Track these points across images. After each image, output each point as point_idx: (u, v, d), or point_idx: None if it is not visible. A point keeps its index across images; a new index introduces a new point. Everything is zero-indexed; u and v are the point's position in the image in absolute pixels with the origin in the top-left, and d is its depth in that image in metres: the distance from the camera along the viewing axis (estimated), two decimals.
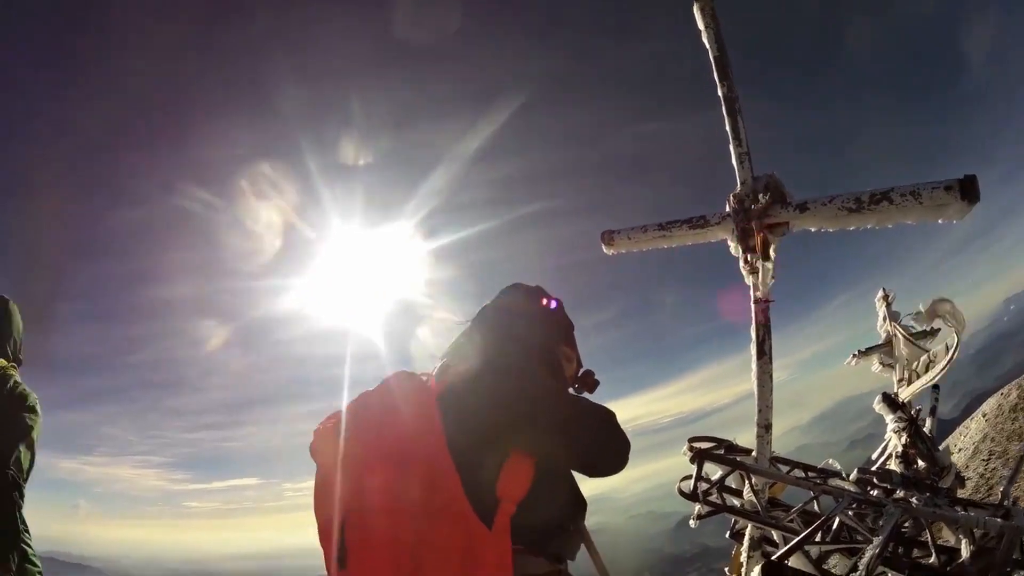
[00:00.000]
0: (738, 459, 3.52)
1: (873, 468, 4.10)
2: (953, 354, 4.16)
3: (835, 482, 3.89)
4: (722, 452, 3.62)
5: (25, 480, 2.64)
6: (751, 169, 2.86)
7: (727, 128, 2.90)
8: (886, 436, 4.30)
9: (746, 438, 3.90)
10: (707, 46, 2.93)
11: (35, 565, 2.61)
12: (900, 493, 3.90)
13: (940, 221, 2.62)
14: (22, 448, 2.61)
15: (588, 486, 1.75)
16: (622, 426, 1.62)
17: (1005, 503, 4.64)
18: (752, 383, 3.19)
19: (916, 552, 3.47)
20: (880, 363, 4.70)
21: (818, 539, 3.43)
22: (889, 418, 4.23)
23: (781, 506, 3.94)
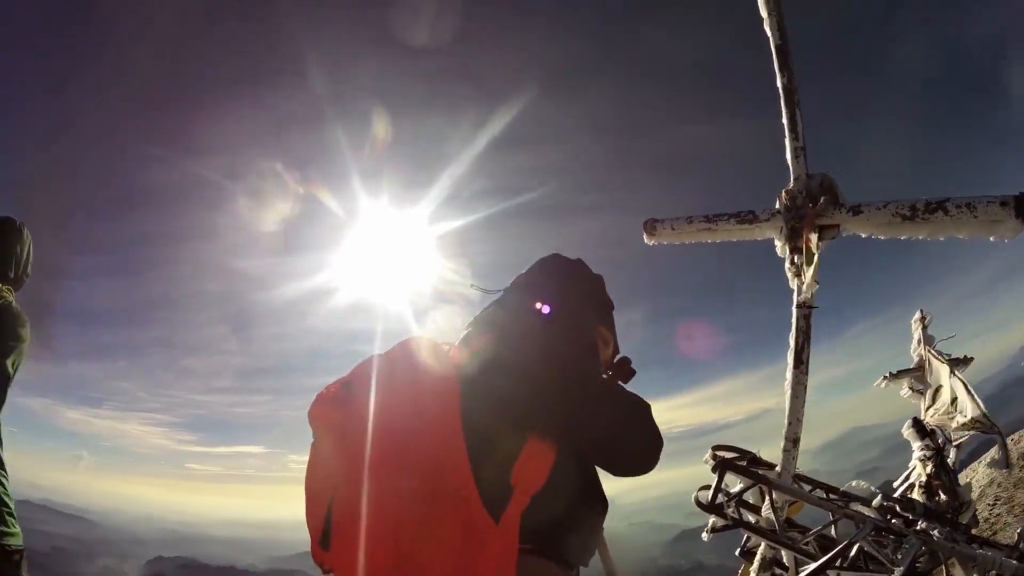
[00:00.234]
0: (761, 473, 3.35)
1: (895, 495, 3.93)
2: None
3: (855, 506, 3.73)
4: (744, 464, 3.45)
5: None
6: (806, 165, 2.71)
7: (783, 120, 2.76)
8: (910, 464, 4.12)
9: (764, 455, 3.75)
10: (768, 34, 2.81)
11: (6, 505, 2.39)
12: (922, 524, 3.74)
13: (992, 239, 2.54)
14: None
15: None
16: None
17: (1021, 545, 4.46)
18: (785, 393, 3.04)
19: None
20: (910, 388, 4.53)
21: (836, 564, 3.28)
22: (916, 445, 4.07)
23: (796, 527, 3.78)
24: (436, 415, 1.27)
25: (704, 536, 3.65)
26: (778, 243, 2.76)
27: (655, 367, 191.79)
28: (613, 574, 1.54)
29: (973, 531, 4.89)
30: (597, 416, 1.32)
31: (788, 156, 2.73)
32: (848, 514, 3.43)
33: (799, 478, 3.68)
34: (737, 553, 4.02)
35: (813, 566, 3.16)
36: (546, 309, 1.48)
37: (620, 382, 1.68)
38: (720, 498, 3.48)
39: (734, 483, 3.56)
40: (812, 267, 2.72)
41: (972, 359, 4.37)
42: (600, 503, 1.41)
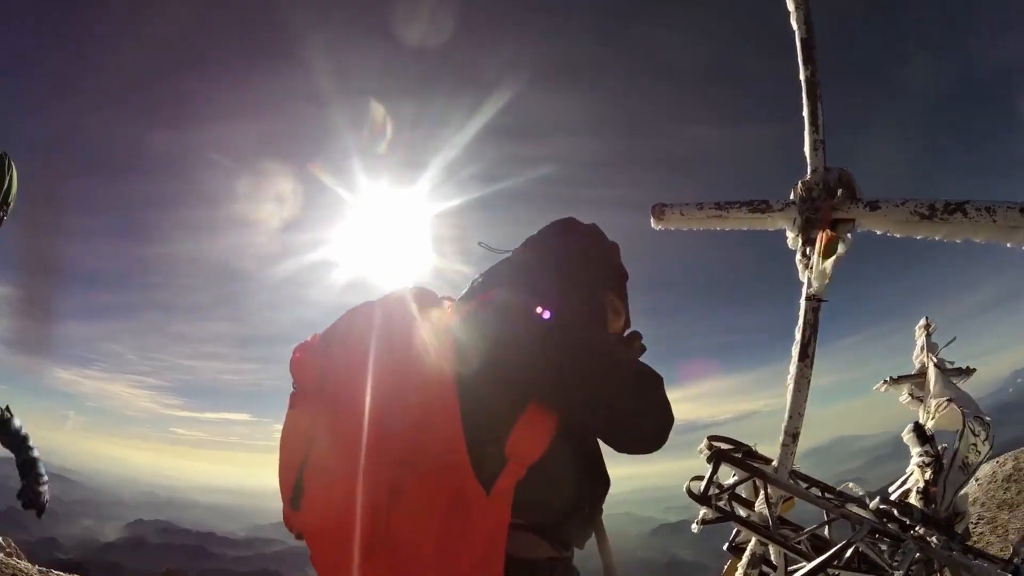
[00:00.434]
0: (757, 466, 3.35)
1: (891, 499, 3.92)
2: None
3: (851, 507, 3.72)
4: (740, 456, 3.45)
5: None
6: (824, 158, 2.70)
7: (804, 113, 2.75)
8: (908, 469, 4.11)
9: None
10: (794, 27, 2.80)
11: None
12: (919, 530, 3.73)
13: (1009, 245, 2.56)
14: None
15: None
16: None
17: (1015, 560, 4.46)
18: (787, 387, 3.03)
19: None
20: (910, 394, 4.52)
21: (832, 564, 3.27)
22: (915, 451, 4.05)
23: (789, 525, 3.77)
24: (428, 373, 1.16)
25: (694, 527, 3.64)
26: (790, 234, 2.75)
27: (647, 359, 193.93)
28: (610, 566, 1.39)
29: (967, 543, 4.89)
30: (602, 384, 1.18)
31: (807, 148, 2.72)
32: (845, 514, 3.42)
33: (795, 475, 3.68)
34: (725, 548, 4.01)
35: (811, 565, 3.16)
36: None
37: None
38: (712, 490, 3.47)
39: (726, 478, 3.55)
40: (831, 259, 2.70)
41: (975, 370, 4.35)
42: (601, 481, 1.32)
